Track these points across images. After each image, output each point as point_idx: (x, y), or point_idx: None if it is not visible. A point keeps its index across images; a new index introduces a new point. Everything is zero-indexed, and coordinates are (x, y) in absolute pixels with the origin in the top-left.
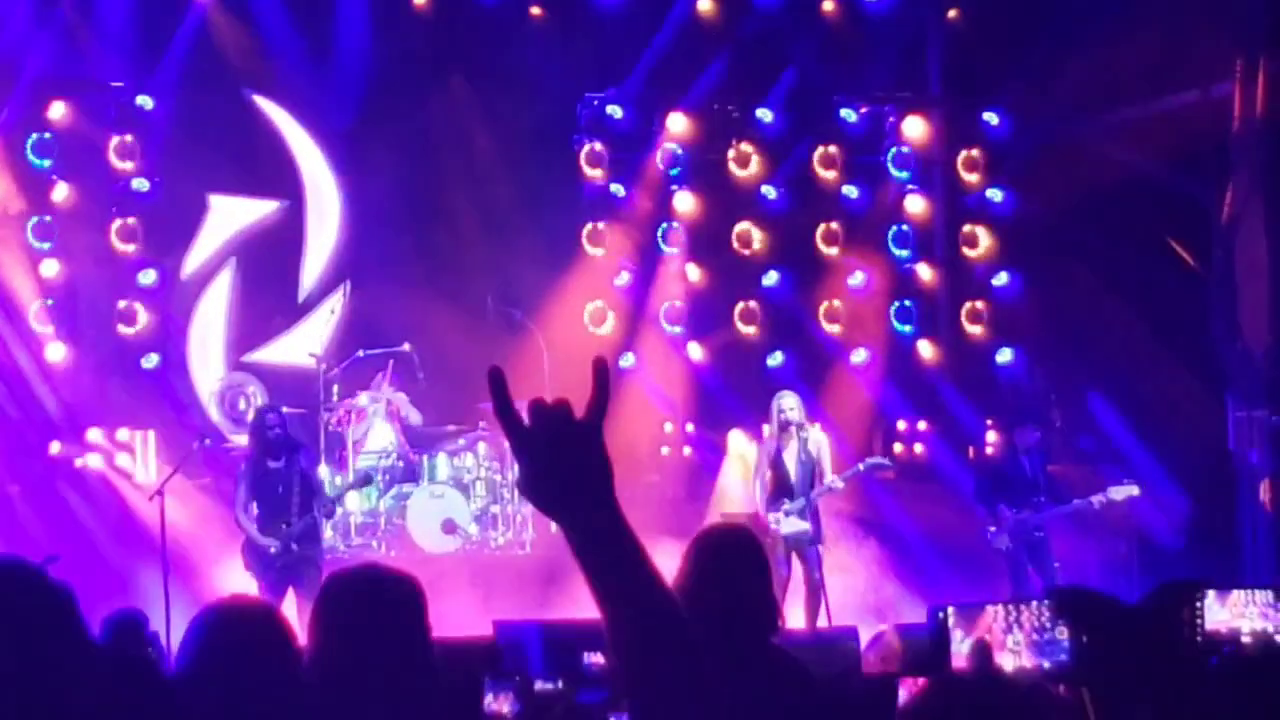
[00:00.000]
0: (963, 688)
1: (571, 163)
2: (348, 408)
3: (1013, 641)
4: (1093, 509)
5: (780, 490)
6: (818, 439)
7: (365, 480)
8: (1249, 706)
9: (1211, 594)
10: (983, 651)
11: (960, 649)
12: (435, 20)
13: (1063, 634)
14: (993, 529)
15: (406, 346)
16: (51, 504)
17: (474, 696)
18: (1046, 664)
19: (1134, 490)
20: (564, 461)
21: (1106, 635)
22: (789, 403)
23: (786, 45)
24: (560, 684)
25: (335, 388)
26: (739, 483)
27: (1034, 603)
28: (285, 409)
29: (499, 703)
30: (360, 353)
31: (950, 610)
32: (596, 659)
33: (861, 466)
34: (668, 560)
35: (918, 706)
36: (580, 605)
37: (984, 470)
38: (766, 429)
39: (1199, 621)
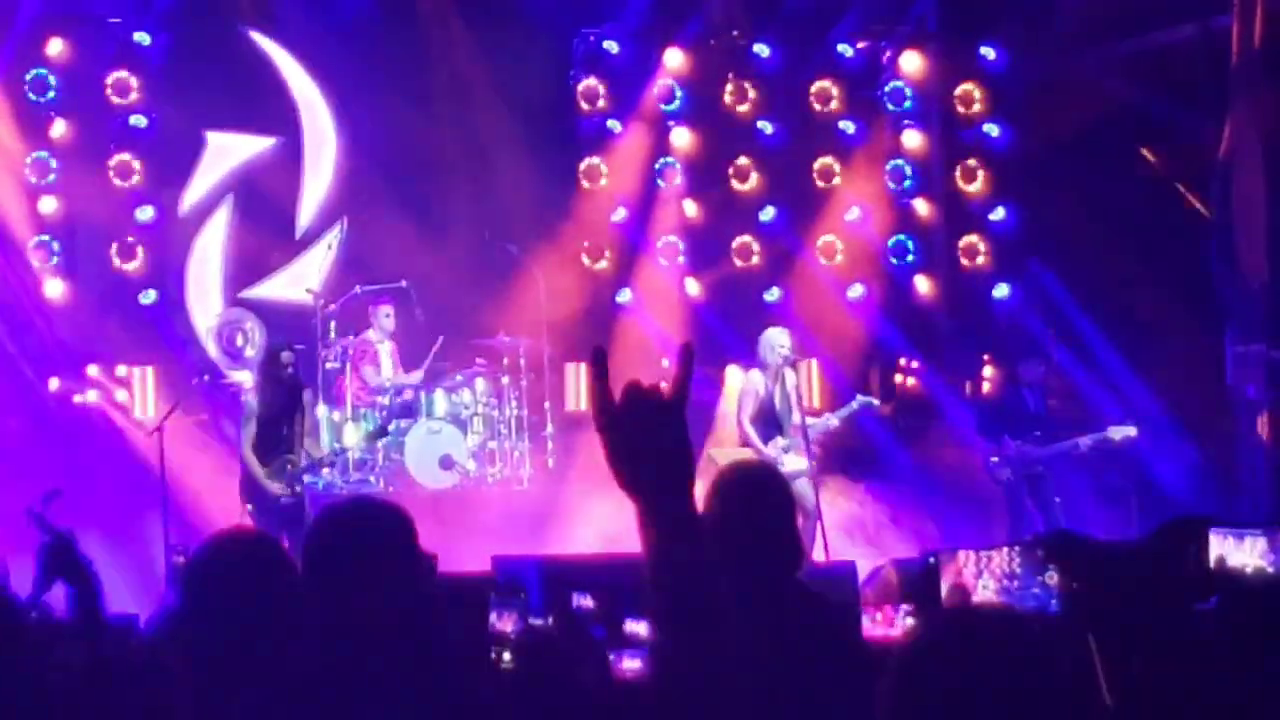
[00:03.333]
0: (960, 621)
1: (568, 98)
2: (361, 344)
3: (981, 586)
4: (1091, 447)
5: (772, 428)
6: (792, 375)
7: (382, 432)
8: (1247, 643)
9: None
10: (961, 593)
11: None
12: None
13: (1052, 579)
14: (995, 459)
15: (404, 283)
16: (51, 440)
17: (480, 618)
18: (1016, 609)
19: (1132, 431)
20: (648, 444)
21: (1095, 580)
22: (790, 341)
23: None
24: (551, 620)
25: (332, 324)
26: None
27: (1004, 549)
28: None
29: (503, 622)
30: (358, 289)
31: (939, 554)
32: (586, 602)
33: (855, 404)
34: None
35: (915, 641)
36: (576, 541)
37: (986, 405)
38: (762, 369)
39: (1203, 558)
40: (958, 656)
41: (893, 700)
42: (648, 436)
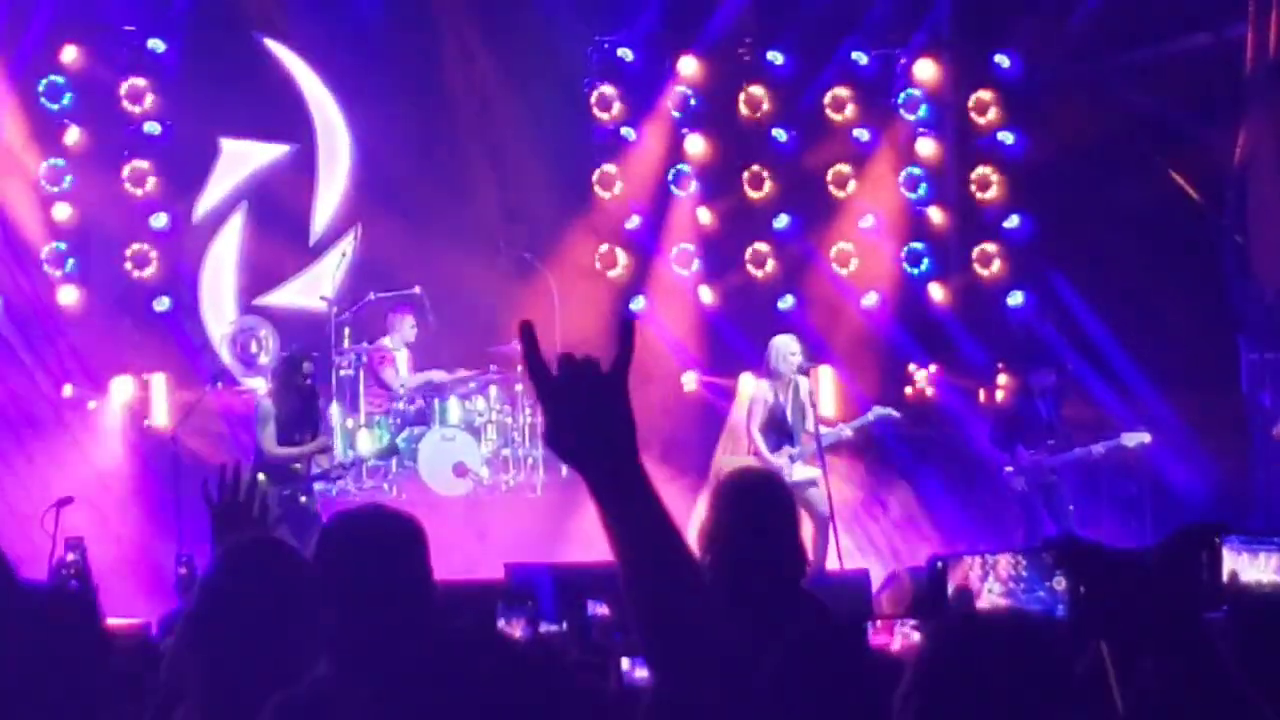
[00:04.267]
0: (973, 628)
1: (582, 105)
2: (378, 350)
3: (987, 590)
4: (1105, 454)
5: (782, 436)
6: (806, 382)
7: (393, 451)
8: (1262, 654)
9: (1228, 546)
10: (964, 599)
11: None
12: None
13: (1060, 584)
14: (1010, 469)
15: (417, 290)
16: (64, 447)
17: (488, 623)
18: (1026, 614)
19: (1145, 438)
20: (588, 414)
21: (1104, 585)
22: (801, 347)
23: None
24: (565, 626)
25: (346, 331)
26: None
27: (1010, 554)
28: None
29: (511, 627)
30: (372, 295)
31: (946, 558)
32: (601, 609)
33: (871, 416)
34: (677, 500)
35: (930, 646)
36: (590, 549)
37: (1000, 416)
38: (773, 377)
39: (1215, 566)
40: (972, 665)
41: (909, 706)
42: (587, 407)
